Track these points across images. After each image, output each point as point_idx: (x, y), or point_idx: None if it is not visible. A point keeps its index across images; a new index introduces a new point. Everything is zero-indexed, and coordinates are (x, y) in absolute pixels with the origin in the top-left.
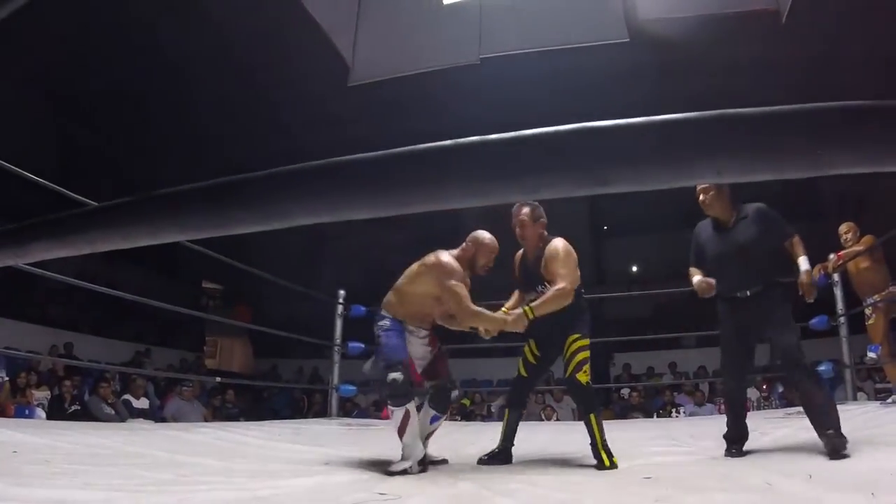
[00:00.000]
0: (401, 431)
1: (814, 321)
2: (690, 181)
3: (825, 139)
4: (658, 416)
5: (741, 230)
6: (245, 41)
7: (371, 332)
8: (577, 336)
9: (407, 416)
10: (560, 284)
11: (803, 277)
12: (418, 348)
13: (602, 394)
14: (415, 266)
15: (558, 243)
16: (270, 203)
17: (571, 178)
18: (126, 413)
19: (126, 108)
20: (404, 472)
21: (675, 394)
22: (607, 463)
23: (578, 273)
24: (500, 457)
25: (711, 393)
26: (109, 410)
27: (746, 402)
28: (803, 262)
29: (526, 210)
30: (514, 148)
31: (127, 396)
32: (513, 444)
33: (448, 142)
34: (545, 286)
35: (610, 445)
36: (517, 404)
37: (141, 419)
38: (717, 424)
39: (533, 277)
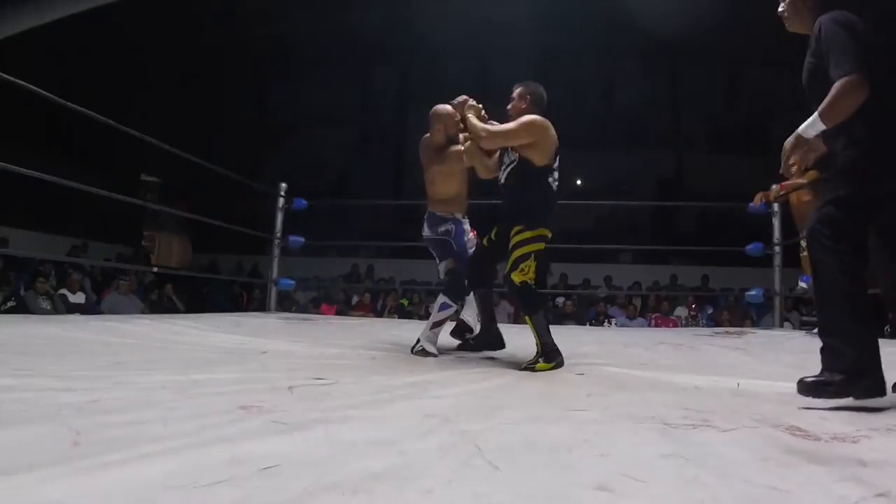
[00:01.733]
0: (439, 322)
1: (750, 247)
2: None
3: None
4: (591, 326)
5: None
6: None
7: (313, 226)
8: (519, 229)
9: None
10: (492, 127)
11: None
12: (469, 239)
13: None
14: (430, 166)
15: (528, 115)
16: None
17: None
18: (63, 308)
19: None
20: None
21: (609, 306)
22: (540, 366)
23: (546, 152)
24: (486, 340)
25: (643, 307)
26: (46, 305)
27: None
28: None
29: (519, 89)
30: None
31: (63, 291)
32: (495, 323)
33: None
34: (510, 152)
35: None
36: (476, 283)
37: (78, 314)
38: (648, 335)
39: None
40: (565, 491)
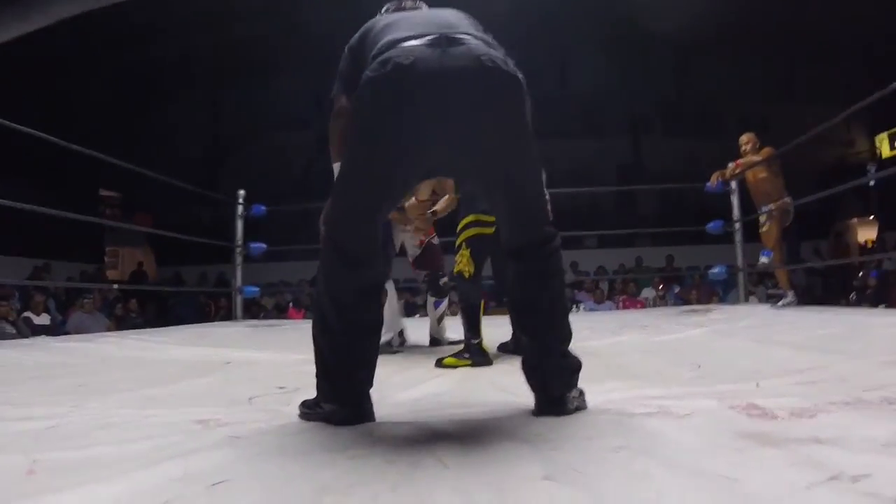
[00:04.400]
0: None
1: (710, 225)
2: None
3: None
4: None
5: None
6: None
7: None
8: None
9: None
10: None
11: None
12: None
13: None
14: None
15: None
16: None
17: None
18: (28, 330)
19: None
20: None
21: (576, 291)
22: (448, 361)
23: None
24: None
25: (611, 291)
26: (10, 329)
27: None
28: None
29: None
30: None
31: (27, 314)
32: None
33: None
34: None
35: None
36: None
37: (44, 335)
38: (614, 318)
39: None
40: (512, 485)
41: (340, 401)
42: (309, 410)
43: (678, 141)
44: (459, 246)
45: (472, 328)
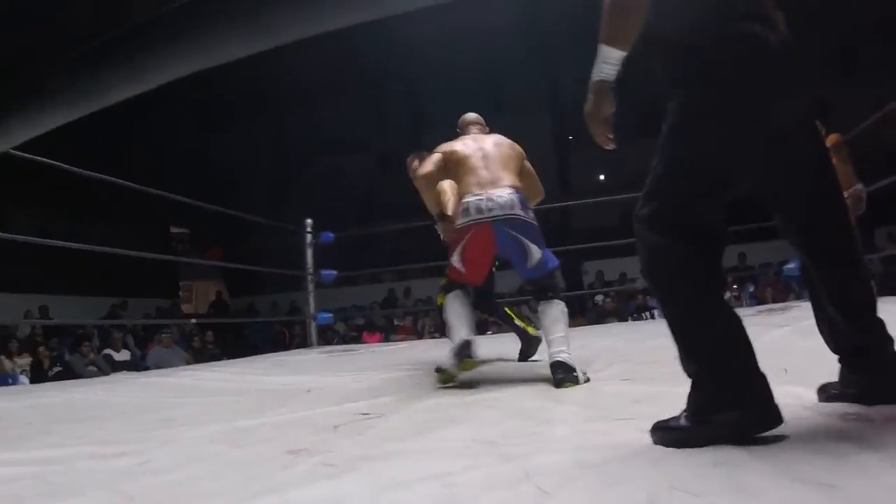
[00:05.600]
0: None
1: None
2: None
3: None
4: (632, 320)
5: None
6: None
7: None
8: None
9: None
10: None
11: None
12: None
13: (576, 302)
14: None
15: None
16: None
17: None
18: (108, 367)
19: None
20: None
21: (648, 298)
22: (440, 377)
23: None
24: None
25: None
26: (91, 367)
27: None
28: None
29: None
30: None
31: (108, 351)
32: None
33: None
34: None
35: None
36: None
37: (124, 371)
38: None
39: None
40: None
41: (747, 402)
42: (688, 429)
43: None
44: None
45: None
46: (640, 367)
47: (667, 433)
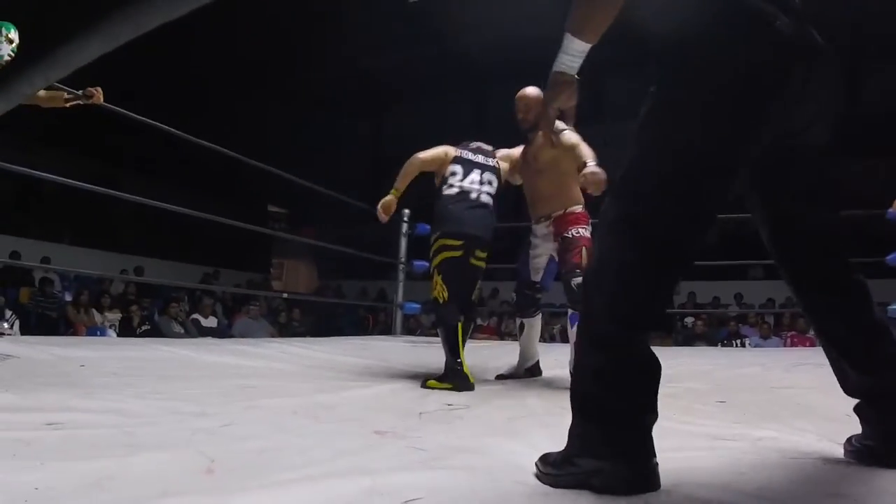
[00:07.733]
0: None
1: (890, 256)
2: None
3: None
4: (723, 346)
5: None
6: None
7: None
8: (432, 237)
9: None
10: None
11: None
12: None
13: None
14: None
15: None
16: None
17: None
18: (195, 331)
19: None
20: None
21: (741, 325)
22: (430, 383)
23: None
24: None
25: (777, 326)
26: (179, 329)
27: None
28: None
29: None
30: None
31: (196, 316)
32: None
33: None
34: None
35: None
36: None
37: (210, 337)
38: (784, 356)
39: None
40: None
41: (622, 456)
42: (557, 472)
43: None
44: (432, 273)
45: (452, 350)
46: (734, 391)
47: (542, 467)
